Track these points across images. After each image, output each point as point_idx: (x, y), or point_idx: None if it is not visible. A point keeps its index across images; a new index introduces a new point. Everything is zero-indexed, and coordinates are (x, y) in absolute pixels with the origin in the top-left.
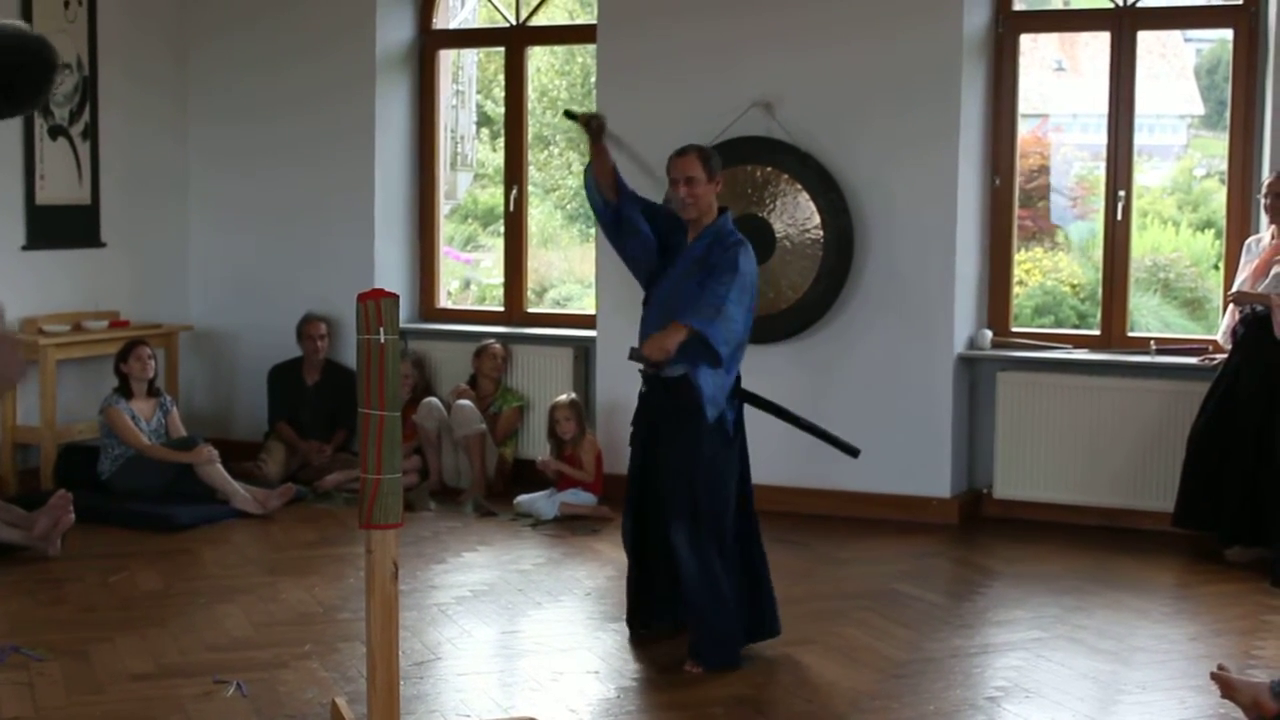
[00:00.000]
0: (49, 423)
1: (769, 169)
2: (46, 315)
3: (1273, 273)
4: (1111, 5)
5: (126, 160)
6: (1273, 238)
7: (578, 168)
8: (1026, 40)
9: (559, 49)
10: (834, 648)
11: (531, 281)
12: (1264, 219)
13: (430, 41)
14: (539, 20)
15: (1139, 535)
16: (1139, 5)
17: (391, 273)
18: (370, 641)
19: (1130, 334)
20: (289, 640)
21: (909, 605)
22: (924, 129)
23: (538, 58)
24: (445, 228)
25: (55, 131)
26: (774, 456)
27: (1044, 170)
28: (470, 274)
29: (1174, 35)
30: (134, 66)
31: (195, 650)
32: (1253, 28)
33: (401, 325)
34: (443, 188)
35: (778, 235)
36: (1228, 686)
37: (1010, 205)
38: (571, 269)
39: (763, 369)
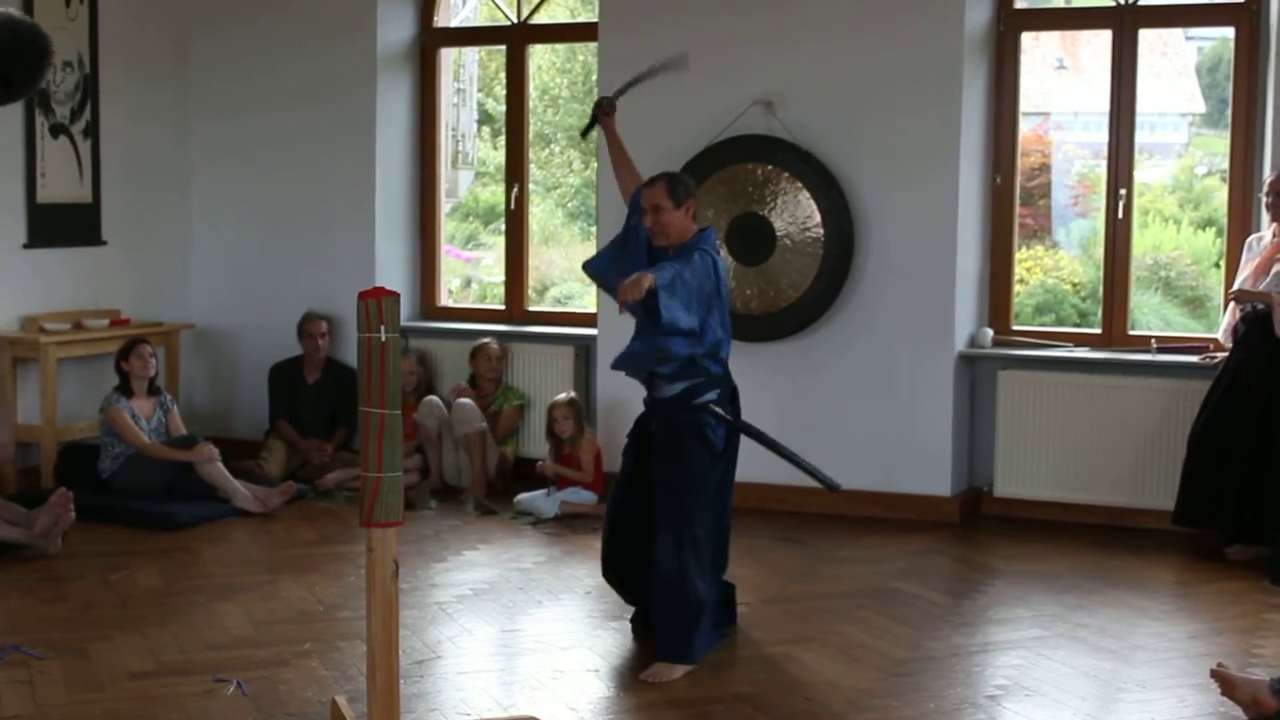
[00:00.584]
0: (49, 421)
1: (769, 167)
2: (47, 313)
3: (1274, 271)
4: (1113, 3)
5: (127, 158)
6: (1274, 236)
7: (579, 166)
8: (1028, 38)
9: (560, 47)
10: (834, 646)
11: (532, 280)
12: (1265, 217)
13: (431, 39)
14: (540, 18)
15: (1139, 533)
16: (1140, 3)
17: (392, 271)
18: (371, 640)
19: (1131, 332)
20: (289, 639)
21: (909, 603)
22: (925, 127)
23: (539, 56)
24: (446, 226)
25: (56, 129)
26: (773, 455)
27: (1045, 169)
28: (471, 272)
29: (1175, 33)
30: (135, 64)
31: (195, 648)
32: (1254, 26)
33: (402, 323)
34: (444, 186)
35: (778, 233)
36: (1227, 684)
37: (1011, 203)
38: (572, 267)
39: (764, 367)
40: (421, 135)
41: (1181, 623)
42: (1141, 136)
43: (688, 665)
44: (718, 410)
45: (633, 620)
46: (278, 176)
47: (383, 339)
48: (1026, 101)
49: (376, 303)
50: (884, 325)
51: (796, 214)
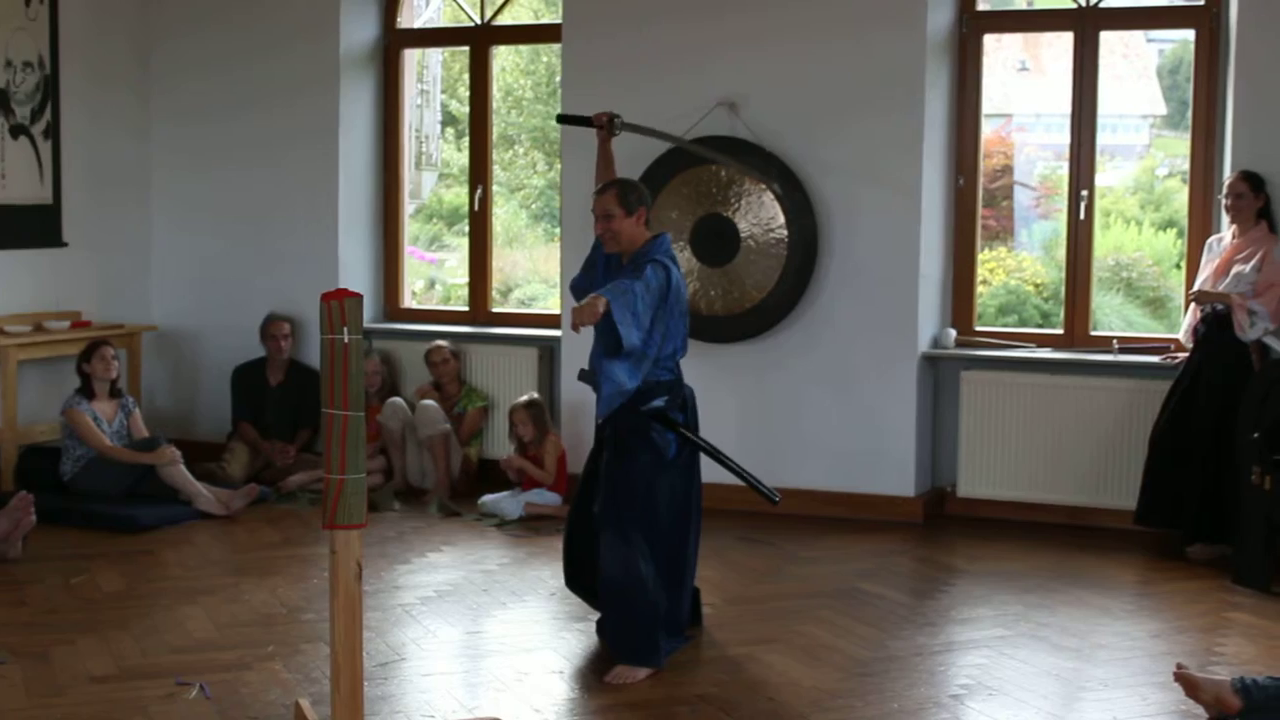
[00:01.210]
0: (10, 424)
1: (734, 168)
2: (7, 316)
3: (1233, 272)
4: (1074, 5)
5: (88, 159)
6: (1234, 237)
7: (543, 167)
8: (990, 40)
9: (524, 48)
10: (798, 646)
11: (496, 281)
12: (1225, 218)
13: (395, 40)
14: (504, 20)
15: (1101, 533)
16: (1101, 5)
17: (356, 272)
18: (334, 642)
19: (1093, 333)
20: (252, 641)
21: (873, 604)
22: (888, 129)
23: (503, 57)
24: (410, 227)
25: (16, 130)
26: (737, 456)
27: (1007, 170)
28: (435, 274)
29: (1136, 35)
30: (96, 65)
31: (157, 652)
32: (1214, 28)
33: (365, 325)
34: (407, 187)
35: (742, 235)
36: (1191, 686)
37: (974, 205)
38: (536, 269)
39: (729, 368)
40: (385, 137)
41: (1143, 621)
42: (1103, 138)
43: (651, 668)
44: (665, 416)
45: (599, 623)
46: (240, 177)
47: (345, 340)
48: (989, 103)
49: (339, 304)
50: (847, 326)
51: (760, 215)
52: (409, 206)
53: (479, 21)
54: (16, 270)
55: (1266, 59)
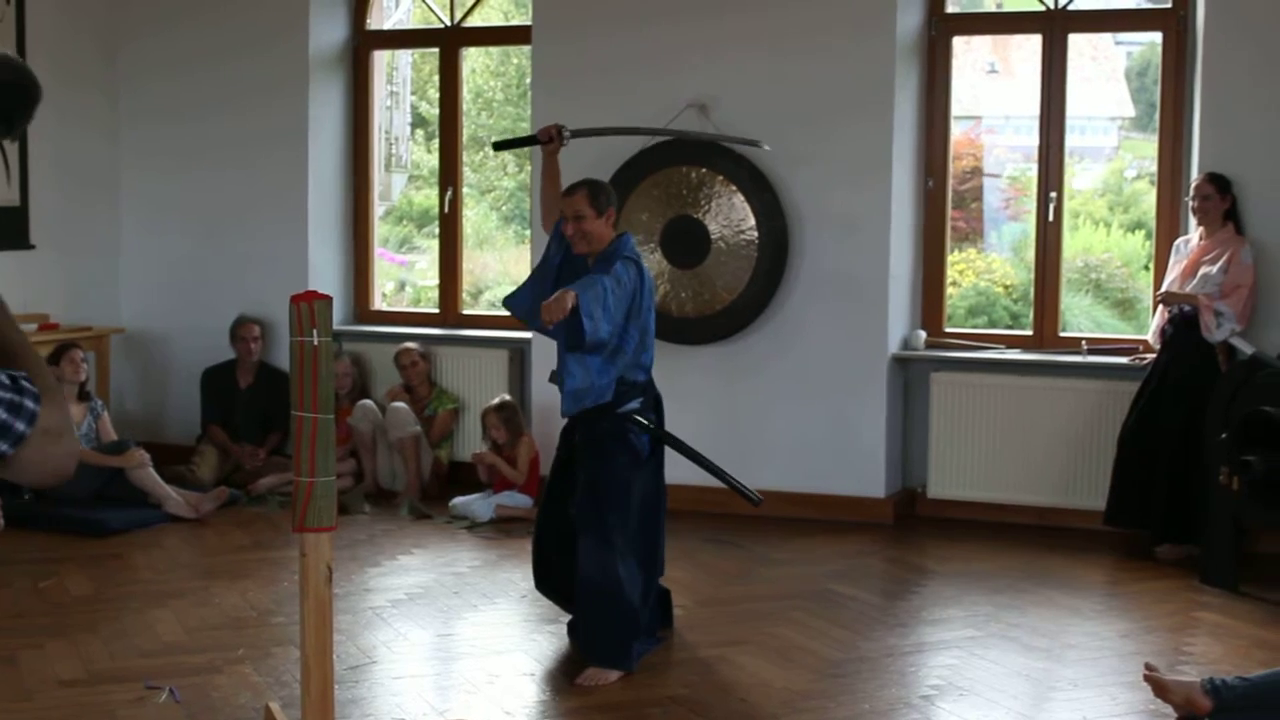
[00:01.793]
0: None
1: (703, 170)
2: None
3: (1200, 273)
4: (1043, 8)
5: (56, 161)
6: (1201, 239)
7: (513, 169)
8: (959, 43)
9: (494, 50)
10: (769, 648)
11: (467, 283)
12: (1192, 220)
13: (364, 42)
14: (474, 21)
15: (1071, 533)
16: (1070, 8)
17: (325, 274)
18: (304, 646)
19: (1062, 334)
20: (222, 645)
21: (844, 605)
22: (858, 130)
23: (473, 59)
24: (380, 229)
25: None
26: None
27: (977, 172)
28: (405, 276)
29: (1105, 38)
30: (64, 66)
31: (127, 656)
32: (1181, 31)
33: (335, 327)
34: (377, 189)
35: (712, 236)
36: (1160, 688)
37: (944, 206)
38: (507, 271)
39: (699, 370)
40: (354, 138)
41: (1113, 621)
42: (1072, 140)
43: (622, 670)
44: (639, 419)
45: (570, 625)
46: (209, 179)
47: (315, 343)
48: (958, 105)
49: (309, 306)
50: (818, 328)
51: (731, 217)
52: (379, 208)
53: (449, 23)
54: None
55: (1233, 62)
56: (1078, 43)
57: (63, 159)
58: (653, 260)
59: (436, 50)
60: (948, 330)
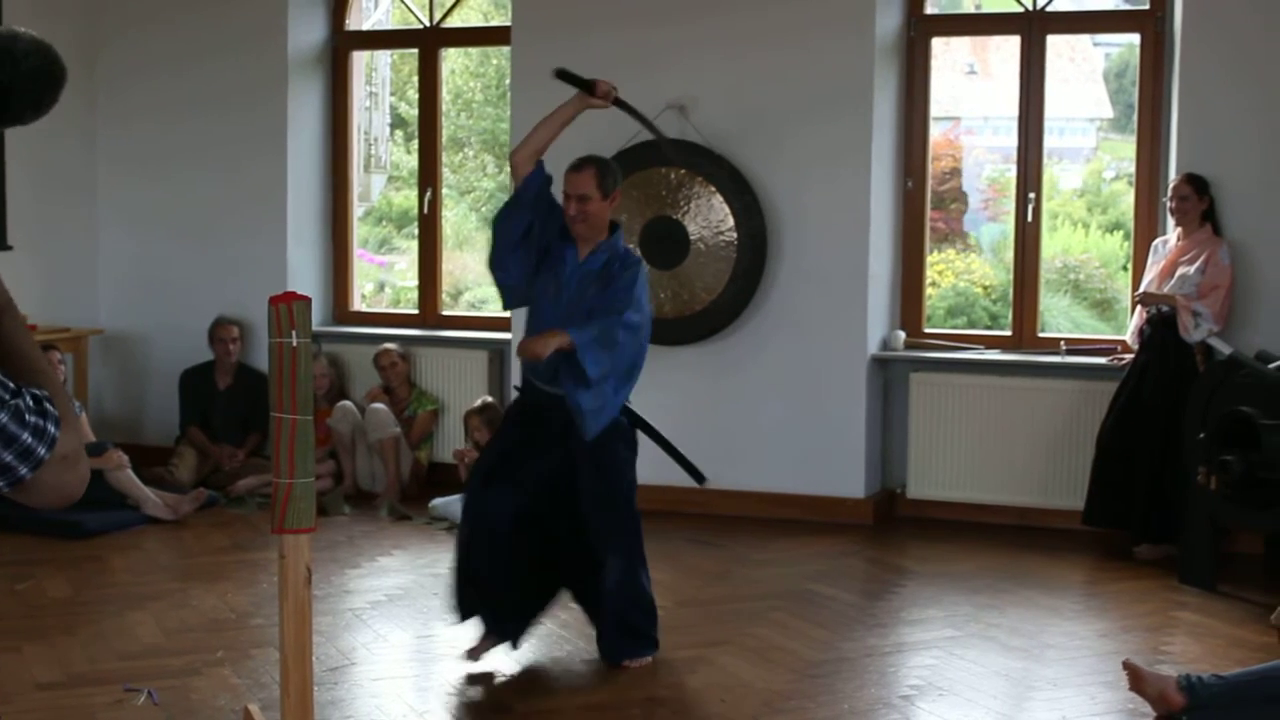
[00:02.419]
0: None
1: (683, 171)
2: None
3: (1178, 274)
4: (1021, 9)
5: (33, 162)
6: (1179, 239)
7: (493, 170)
8: (938, 44)
9: (473, 51)
10: (749, 648)
11: (446, 284)
12: (1170, 221)
13: (343, 43)
14: (453, 22)
15: (1050, 534)
16: (1048, 9)
17: (304, 275)
18: (283, 647)
19: (1041, 334)
20: (201, 647)
21: (823, 605)
22: (837, 132)
23: (452, 60)
24: (359, 230)
25: None
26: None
27: (956, 173)
28: (384, 276)
29: (1083, 39)
30: None
31: (105, 658)
32: (1159, 32)
33: (315, 328)
34: (356, 190)
35: (692, 237)
36: (1137, 679)
37: (923, 207)
38: (486, 272)
39: (678, 370)
40: (333, 139)
41: (1091, 621)
42: (1050, 141)
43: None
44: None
45: (600, 636)
46: (187, 180)
47: (294, 344)
48: (937, 106)
49: (288, 307)
50: (797, 328)
51: (710, 218)
52: (358, 209)
53: (428, 24)
54: None
55: (1210, 63)
56: (1056, 44)
57: (40, 160)
58: None
59: (416, 51)
60: (927, 331)
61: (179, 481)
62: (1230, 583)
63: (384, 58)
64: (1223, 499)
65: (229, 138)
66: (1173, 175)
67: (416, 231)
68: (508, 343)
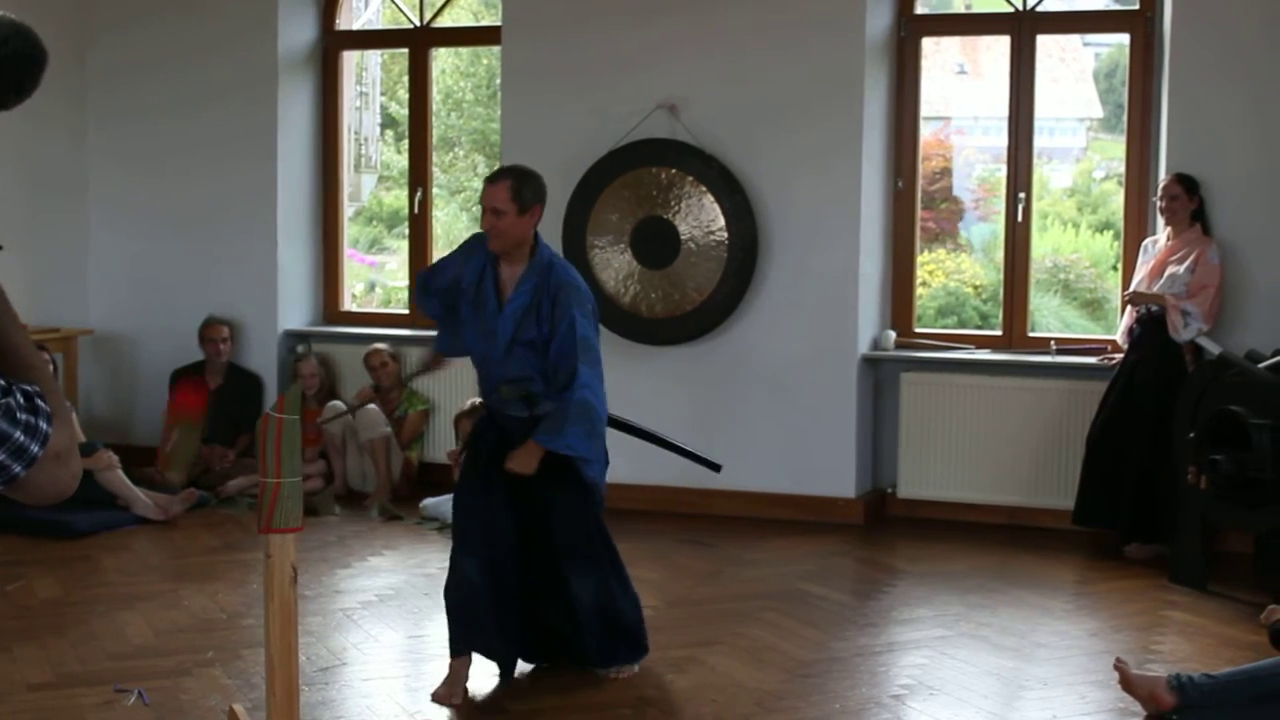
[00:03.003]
0: None
1: (673, 171)
2: None
3: (1168, 273)
4: (1011, 9)
5: (22, 161)
6: (1168, 239)
7: (483, 169)
8: (929, 44)
9: (464, 51)
10: (740, 648)
11: None
12: (1159, 220)
13: (333, 42)
14: (443, 21)
15: (1040, 533)
16: (1038, 9)
17: (295, 275)
18: (269, 647)
19: (1031, 334)
20: (191, 647)
21: (815, 605)
22: (828, 131)
23: (442, 59)
24: (349, 230)
25: None
26: (677, 458)
27: (946, 173)
28: (375, 276)
29: (1073, 39)
30: None
31: (95, 659)
32: (1148, 33)
33: (305, 328)
34: (346, 190)
35: (683, 237)
36: (1126, 681)
37: (913, 207)
38: None
39: (669, 370)
40: (324, 139)
41: (1082, 620)
42: (1040, 141)
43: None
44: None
45: (579, 649)
46: (178, 179)
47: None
48: (927, 106)
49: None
50: (788, 328)
51: (701, 218)
52: (348, 209)
53: (418, 23)
54: None
55: (1200, 63)
56: (1046, 44)
57: (29, 159)
58: (623, 261)
59: (406, 51)
60: (917, 330)
61: (169, 482)
62: (1220, 582)
63: (374, 57)
64: (1213, 498)
65: (219, 137)
66: (1162, 175)
67: (407, 231)
68: None
